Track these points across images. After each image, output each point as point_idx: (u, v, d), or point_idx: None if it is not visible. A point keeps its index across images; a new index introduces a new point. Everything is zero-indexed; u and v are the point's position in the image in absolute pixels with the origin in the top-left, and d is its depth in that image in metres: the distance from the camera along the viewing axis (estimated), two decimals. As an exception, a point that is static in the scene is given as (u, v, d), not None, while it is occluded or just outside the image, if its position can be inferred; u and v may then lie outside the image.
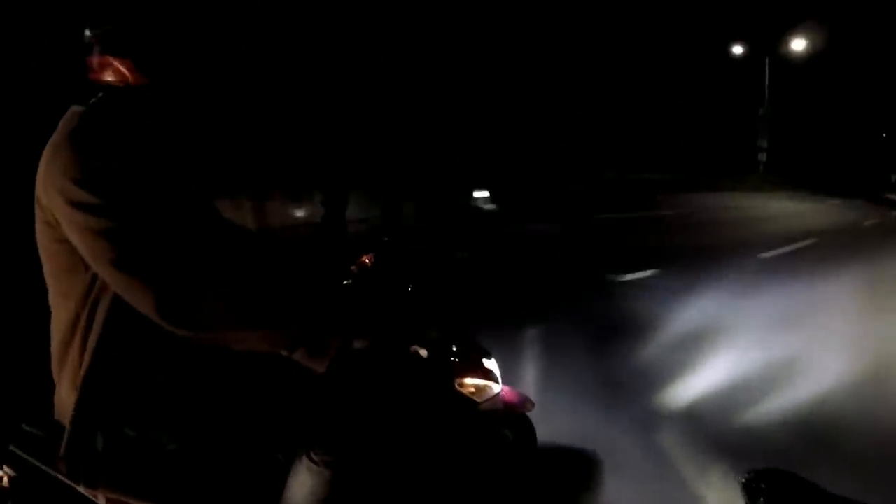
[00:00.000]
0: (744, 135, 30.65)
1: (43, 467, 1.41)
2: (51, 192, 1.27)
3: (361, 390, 1.51)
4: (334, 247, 1.88)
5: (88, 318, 1.34)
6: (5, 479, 1.42)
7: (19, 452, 1.43)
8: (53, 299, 1.40)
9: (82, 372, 1.35)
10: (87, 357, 1.34)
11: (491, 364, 1.96)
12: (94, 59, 1.36)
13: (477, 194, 10.65)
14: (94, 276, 1.32)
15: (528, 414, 2.20)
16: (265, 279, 1.39)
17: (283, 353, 1.35)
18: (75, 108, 1.34)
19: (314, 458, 1.47)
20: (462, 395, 1.83)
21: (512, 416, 2.09)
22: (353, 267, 1.73)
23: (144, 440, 1.37)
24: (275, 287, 1.37)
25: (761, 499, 0.96)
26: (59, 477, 1.39)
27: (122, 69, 1.34)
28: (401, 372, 1.60)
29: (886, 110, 42.19)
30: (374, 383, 1.51)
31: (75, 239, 1.27)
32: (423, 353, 1.64)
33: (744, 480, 0.99)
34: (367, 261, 1.73)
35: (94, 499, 1.40)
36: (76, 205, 1.23)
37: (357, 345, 1.34)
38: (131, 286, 1.25)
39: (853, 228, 15.49)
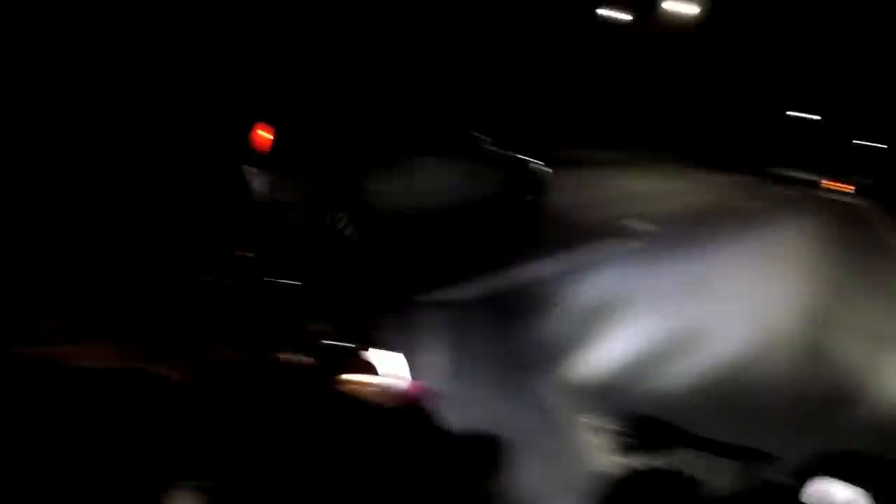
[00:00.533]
0: (623, 104, 27.26)
1: None
2: None
3: (232, 407, 1.34)
4: (198, 239, 1.67)
5: None
6: None
7: None
8: None
9: None
10: None
11: (387, 357, 1.81)
12: None
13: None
14: None
15: (434, 401, 2.07)
16: (108, 281, 1.20)
17: (134, 366, 1.18)
18: None
19: (189, 486, 1.32)
20: (352, 397, 1.67)
21: (412, 409, 1.95)
22: (227, 261, 1.54)
23: None
24: (119, 291, 1.19)
25: (627, 440, 1.00)
26: None
27: None
28: (276, 382, 1.43)
29: (786, 81, 43.40)
30: (245, 398, 1.35)
31: None
32: (303, 359, 1.47)
33: (608, 427, 1.02)
34: (244, 254, 1.54)
35: None
36: None
37: (220, 354, 1.20)
38: None
39: (710, 211, 13.69)
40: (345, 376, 1.65)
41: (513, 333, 4.68)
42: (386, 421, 1.75)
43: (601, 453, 1.01)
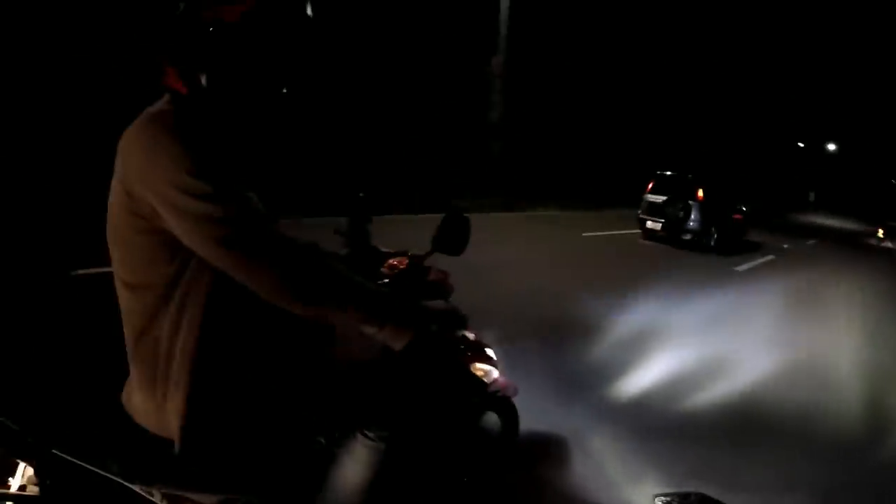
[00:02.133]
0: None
1: (94, 469, 1.40)
2: (156, 183, 1.29)
3: (420, 371, 1.71)
4: (364, 253, 2.06)
5: (177, 314, 1.37)
6: (30, 488, 1.39)
7: (63, 455, 1.38)
8: (126, 292, 1.41)
9: (185, 375, 1.38)
10: (183, 358, 1.37)
11: (492, 352, 2.26)
12: (165, 67, 1.41)
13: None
14: (179, 269, 1.35)
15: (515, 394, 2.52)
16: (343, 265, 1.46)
17: (370, 330, 1.42)
18: (157, 108, 1.38)
19: (369, 434, 1.65)
20: (476, 376, 2.13)
21: (504, 398, 2.40)
22: (384, 269, 1.96)
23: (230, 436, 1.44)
24: (355, 272, 1.44)
25: None
26: (112, 477, 1.40)
27: (179, 79, 1.39)
28: (448, 355, 1.79)
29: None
30: (430, 364, 1.70)
31: (186, 227, 1.29)
32: (471, 335, 1.90)
33: (660, 502, 0.98)
34: (396, 263, 1.96)
35: (149, 497, 1.45)
36: (193, 194, 1.26)
37: (433, 328, 1.47)
38: (254, 266, 1.30)
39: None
40: (477, 364, 2.11)
41: (563, 356, 5.07)
42: (495, 403, 2.20)
43: None
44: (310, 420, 1.63)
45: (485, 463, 2.40)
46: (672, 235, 13.45)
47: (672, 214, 13.27)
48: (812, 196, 47.23)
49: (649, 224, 13.83)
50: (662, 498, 0.96)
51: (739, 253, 14.00)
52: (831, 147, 48.85)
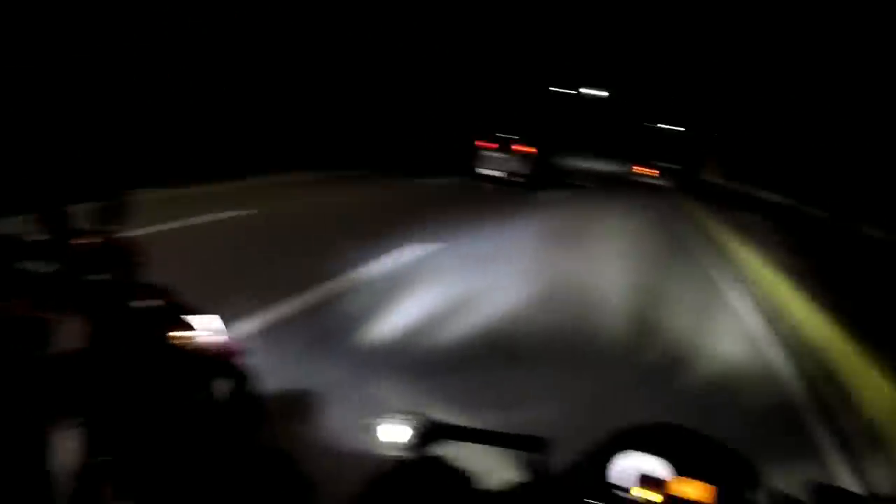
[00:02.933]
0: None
1: None
2: None
3: (100, 345, 1.74)
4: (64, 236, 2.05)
5: None
6: None
7: None
8: None
9: None
10: None
11: (206, 318, 2.28)
12: None
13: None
14: None
15: (245, 356, 2.57)
16: None
17: (51, 317, 1.53)
18: None
19: (70, 420, 1.66)
20: (179, 346, 2.14)
21: (227, 364, 2.44)
22: (77, 248, 1.94)
23: None
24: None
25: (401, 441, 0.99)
26: None
27: None
28: (133, 326, 1.86)
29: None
30: (107, 335, 1.74)
31: None
32: (159, 302, 1.93)
33: (373, 426, 1.02)
34: (85, 241, 1.95)
35: None
36: None
37: (99, 299, 1.59)
38: None
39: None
40: (180, 332, 2.13)
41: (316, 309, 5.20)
42: (204, 366, 2.24)
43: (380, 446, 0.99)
44: (25, 417, 1.62)
45: (220, 430, 2.44)
46: (506, 180, 18.79)
47: (508, 165, 18.91)
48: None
49: (485, 171, 19.10)
50: (382, 424, 0.99)
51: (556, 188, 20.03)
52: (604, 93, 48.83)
